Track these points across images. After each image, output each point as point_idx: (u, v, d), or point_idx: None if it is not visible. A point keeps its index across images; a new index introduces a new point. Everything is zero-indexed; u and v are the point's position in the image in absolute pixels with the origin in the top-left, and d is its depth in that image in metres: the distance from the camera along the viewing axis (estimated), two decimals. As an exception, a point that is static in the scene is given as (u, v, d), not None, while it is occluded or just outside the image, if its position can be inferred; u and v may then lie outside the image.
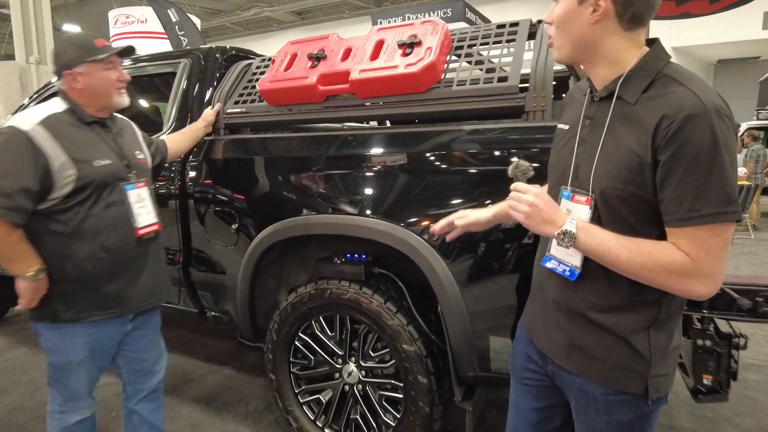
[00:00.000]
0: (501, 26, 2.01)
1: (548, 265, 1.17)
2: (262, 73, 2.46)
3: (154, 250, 1.85)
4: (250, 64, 2.57)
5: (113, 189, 1.70)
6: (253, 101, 2.36)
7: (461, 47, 2.02)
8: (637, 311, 1.07)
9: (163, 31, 9.33)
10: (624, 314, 1.08)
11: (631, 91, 1.02)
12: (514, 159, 1.19)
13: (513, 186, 1.14)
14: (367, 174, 1.96)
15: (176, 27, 9.02)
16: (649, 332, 1.07)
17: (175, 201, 2.48)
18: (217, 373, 3.14)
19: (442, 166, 1.82)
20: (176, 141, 2.29)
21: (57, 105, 1.70)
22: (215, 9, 18.81)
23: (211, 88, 2.57)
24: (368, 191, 1.95)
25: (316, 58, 2.12)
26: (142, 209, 1.79)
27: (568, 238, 1.04)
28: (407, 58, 1.90)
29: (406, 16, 11.57)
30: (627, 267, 1.00)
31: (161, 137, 2.29)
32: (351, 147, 2.03)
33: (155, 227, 1.83)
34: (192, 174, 2.42)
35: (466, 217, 1.43)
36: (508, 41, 1.94)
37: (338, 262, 2.13)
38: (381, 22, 14.44)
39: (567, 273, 1.12)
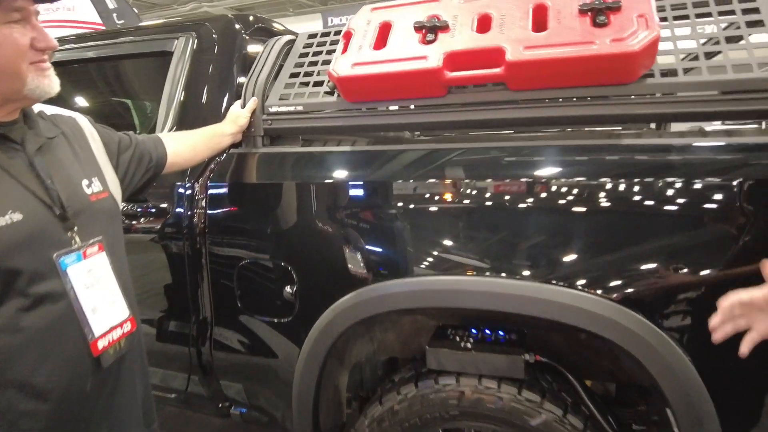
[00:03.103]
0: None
1: None
2: (316, 53, 1.65)
3: (129, 366, 1.02)
4: (292, 41, 1.75)
5: (37, 269, 0.86)
6: (311, 95, 1.55)
7: (663, 19, 1.34)
8: None
9: (96, 20, 8.07)
10: None
11: None
12: None
13: None
14: (534, 209, 1.23)
15: (114, 15, 7.78)
16: None
17: (181, 246, 1.62)
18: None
19: (668, 201, 1.13)
20: (188, 144, 1.43)
21: None
22: (150, 2, 17.30)
23: (232, 76, 1.74)
24: (542, 239, 1.23)
25: (431, 30, 1.37)
26: (101, 298, 0.93)
27: None
28: (604, 30, 1.19)
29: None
30: None
31: (156, 134, 1.45)
32: (501, 166, 1.30)
33: (128, 328, 0.98)
34: (210, 205, 1.58)
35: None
36: (745, 11, 1.27)
37: (463, 343, 1.37)
38: (332, 21, 13.51)
39: None
